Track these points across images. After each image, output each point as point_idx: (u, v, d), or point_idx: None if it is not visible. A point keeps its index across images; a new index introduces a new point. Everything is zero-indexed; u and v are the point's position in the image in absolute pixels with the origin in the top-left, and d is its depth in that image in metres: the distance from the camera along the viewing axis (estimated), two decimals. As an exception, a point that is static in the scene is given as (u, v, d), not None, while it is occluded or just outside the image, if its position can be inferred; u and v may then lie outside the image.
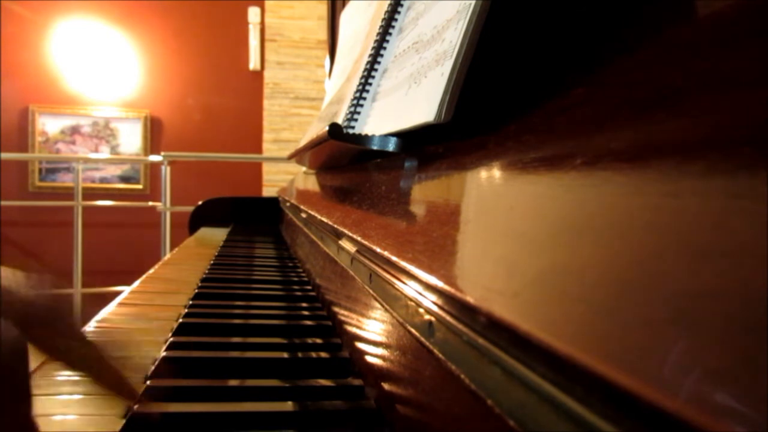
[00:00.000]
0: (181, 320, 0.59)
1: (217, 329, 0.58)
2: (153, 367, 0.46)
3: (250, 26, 3.83)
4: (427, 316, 0.27)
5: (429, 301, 0.27)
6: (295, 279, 0.88)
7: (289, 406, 0.40)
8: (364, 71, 0.63)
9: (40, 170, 3.65)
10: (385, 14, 0.64)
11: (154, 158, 3.27)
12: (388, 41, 0.62)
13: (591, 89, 0.28)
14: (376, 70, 0.62)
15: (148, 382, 0.43)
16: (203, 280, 0.83)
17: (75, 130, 3.70)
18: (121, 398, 0.32)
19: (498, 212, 0.27)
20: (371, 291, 0.40)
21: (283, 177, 3.63)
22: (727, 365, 0.11)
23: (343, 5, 1.32)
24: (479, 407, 0.20)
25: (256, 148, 3.83)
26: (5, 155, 3.32)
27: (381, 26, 0.64)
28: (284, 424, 0.39)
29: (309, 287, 0.81)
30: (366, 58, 0.65)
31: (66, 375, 0.43)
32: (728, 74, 0.19)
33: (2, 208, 3.23)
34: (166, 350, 0.50)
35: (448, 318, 0.24)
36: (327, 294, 0.67)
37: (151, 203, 3.40)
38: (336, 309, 0.60)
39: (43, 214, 3.57)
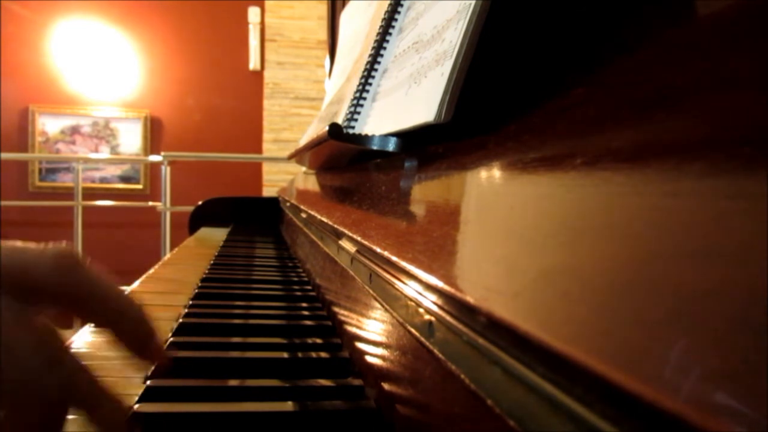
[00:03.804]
0: (181, 320, 0.59)
1: (217, 329, 0.58)
2: (153, 367, 0.46)
3: (250, 26, 3.83)
4: (427, 316, 0.27)
5: (429, 301, 0.27)
6: (295, 279, 0.88)
7: (289, 406, 0.40)
8: (364, 71, 0.63)
9: (40, 170, 3.65)
10: (385, 14, 0.64)
11: (154, 158, 3.27)
12: (388, 41, 0.62)
13: (591, 89, 0.28)
14: (376, 70, 0.62)
15: (148, 382, 0.43)
16: (203, 280, 0.83)
17: (75, 130, 3.70)
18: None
19: (498, 212, 0.27)
20: (371, 291, 0.40)
21: (283, 177, 3.63)
22: (727, 365, 0.11)
23: (343, 5, 1.32)
24: (479, 407, 0.20)
25: (256, 148, 3.83)
26: (5, 155, 3.33)
27: (381, 26, 0.64)
28: (284, 424, 0.39)
29: (309, 287, 0.81)
30: (366, 58, 0.65)
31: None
32: (728, 74, 0.19)
33: (2, 208, 3.23)
34: (165, 350, 0.49)
35: (448, 318, 0.24)
36: (327, 294, 0.67)
37: (151, 203, 3.41)
38: (336, 309, 0.60)
39: (43, 214, 3.57)
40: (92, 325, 0.31)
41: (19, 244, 0.29)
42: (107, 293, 0.30)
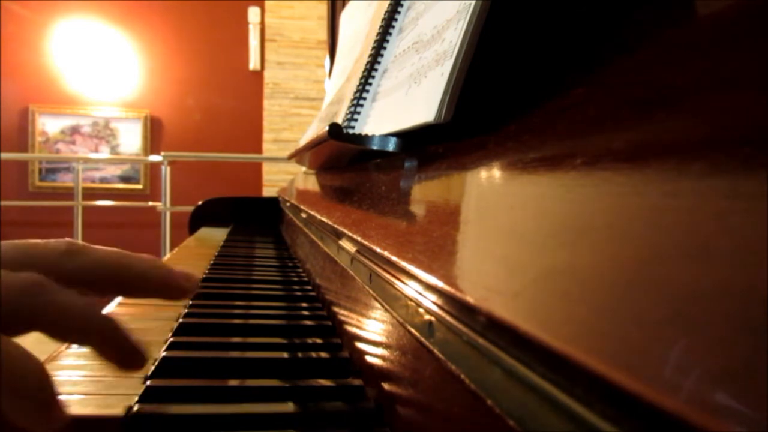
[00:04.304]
0: (181, 320, 0.59)
1: (217, 329, 0.58)
2: (153, 368, 0.46)
3: (250, 26, 3.83)
4: (427, 316, 0.27)
5: (429, 301, 0.27)
6: (295, 279, 0.88)
7: (289, 406, 0.40)
8: (364, 71, 0.63)
9: (40, 170, 3.65)
10: (385, 14, 0.64)
11: (154, 158, 3.27)
12: (388, 41, 0.62)
13: (591, 89, 0.28)
14: (376, 70, 0.62)
15: (148, 383, 0.43)
16: (203, 280, 0.83)
17: (75, 130, 3.70)
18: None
19: (498, 212, 0.27)
20: (371, 291, 0.40)
21: (283, 177, 3.63)
22: (728, 365, 0.11)
23: (343, 5, 1.32)
24: (479, 407, 0.20)
25: (256, 148, 3.83)
26: (5, 155, 3.33)
27: (381, 26, 0.64)
28: (284, 424, 0.39)
29: (309, 287, 0.81)
30: (366, 58, 0.65)
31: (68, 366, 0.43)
32: (728, 74, 0.19)
33: (2, 208, 3.23)
34: (166, 350, 0.49)
35: (448, 318, 0.24)
36: (327, 294, 0.67)
37: (151, 203, 3.41)
38: (336, 309, 0.60)
39: (43, 214, 3.57)
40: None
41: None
42: (114, 271, 0.32)
